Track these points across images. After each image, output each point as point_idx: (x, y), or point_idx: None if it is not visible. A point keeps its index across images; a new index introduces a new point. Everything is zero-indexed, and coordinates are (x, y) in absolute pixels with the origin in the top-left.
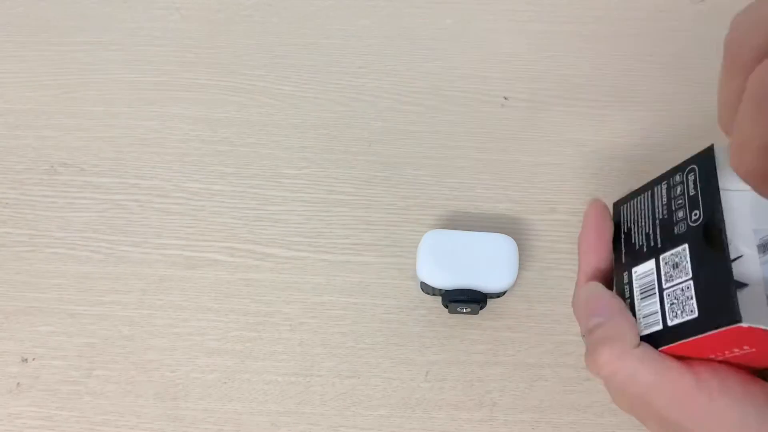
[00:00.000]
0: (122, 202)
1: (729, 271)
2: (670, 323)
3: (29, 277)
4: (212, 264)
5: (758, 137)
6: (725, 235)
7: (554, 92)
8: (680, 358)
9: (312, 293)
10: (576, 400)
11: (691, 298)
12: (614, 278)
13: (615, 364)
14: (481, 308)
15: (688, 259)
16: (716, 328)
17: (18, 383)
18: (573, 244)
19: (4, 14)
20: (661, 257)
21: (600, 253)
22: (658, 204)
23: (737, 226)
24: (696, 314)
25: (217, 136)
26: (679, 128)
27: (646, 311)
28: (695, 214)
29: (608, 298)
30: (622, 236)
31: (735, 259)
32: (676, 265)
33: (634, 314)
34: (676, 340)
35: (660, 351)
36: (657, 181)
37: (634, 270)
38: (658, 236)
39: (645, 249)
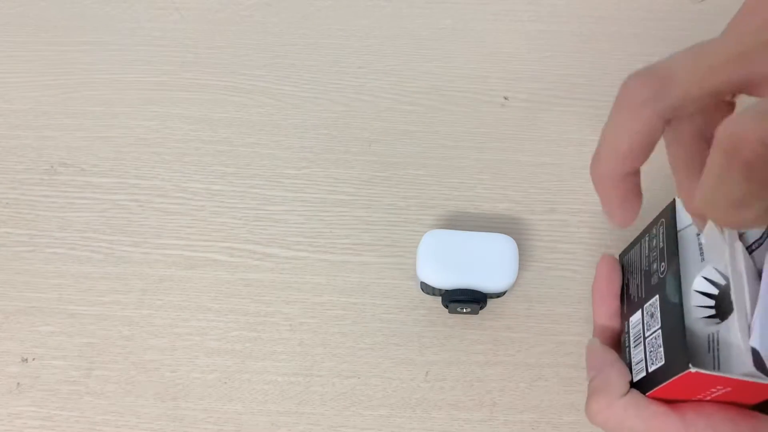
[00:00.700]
0: (122, 202)
1: (681, 321)
2: (649, 370)
3: (29, 277)
4: (212, 264)
5: (727, 194)
6: (680, 288)
7: (554, 92)
8: (670, 400)
9: (312, 293)
10: (576, 400)
11: (660, 347)
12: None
13: (605, 413)
14: (481, 308)
15: (659, 309)
16: (673, 375)
17: (18, 383)
18: (573, 244)
19: (4, 14)
20: (644, 307)
21: (610, 306)
22: (643, 255)
23: (699, 269)
24: (663, 361)
25: (217, 136)
26: None
27: (636, 359)
28: (662, 266)
29: (601, 352)
30: (624, 288)
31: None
32: (652, 315)
33: (631, 362)
34: (655, 386)
35: (648, 396)
36: (644, 232)
37: (630, 320)
38: (643, 287)
39: (636, 299)
